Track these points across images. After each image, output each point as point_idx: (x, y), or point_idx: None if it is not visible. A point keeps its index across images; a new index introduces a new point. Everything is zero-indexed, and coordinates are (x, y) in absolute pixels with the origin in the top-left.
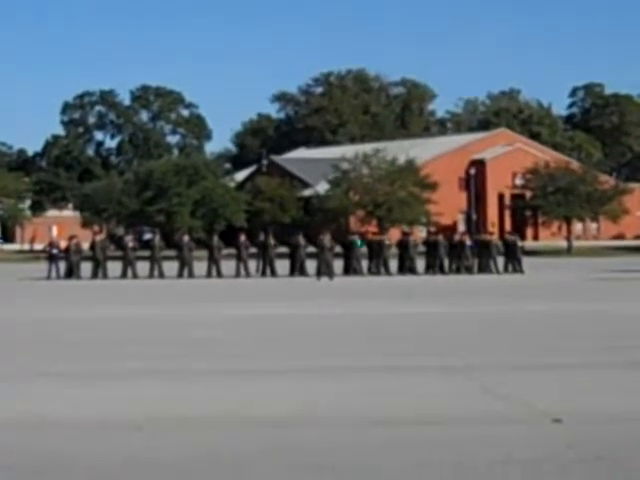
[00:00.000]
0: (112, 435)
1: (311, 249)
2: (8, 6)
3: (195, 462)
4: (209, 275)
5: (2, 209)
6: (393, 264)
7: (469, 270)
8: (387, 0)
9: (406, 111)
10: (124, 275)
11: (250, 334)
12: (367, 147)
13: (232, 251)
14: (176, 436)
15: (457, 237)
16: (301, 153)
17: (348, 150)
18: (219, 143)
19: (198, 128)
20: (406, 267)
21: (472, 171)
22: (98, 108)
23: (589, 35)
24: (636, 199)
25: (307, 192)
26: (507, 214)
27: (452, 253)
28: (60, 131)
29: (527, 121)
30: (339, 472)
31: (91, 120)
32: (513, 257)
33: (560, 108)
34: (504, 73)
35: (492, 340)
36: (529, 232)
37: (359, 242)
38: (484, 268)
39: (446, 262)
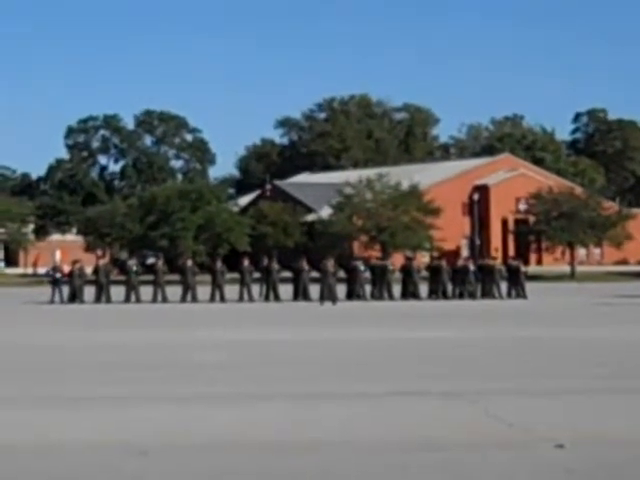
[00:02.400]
0: (116, 459)
1: (314, 274)
2: (12, 29)
3: None
4: (212, 300)
5: (6, 233)
6: (396, 289)
7: (472, 295)
8: (390, 25)
9: (409, 136)
10: (127, 299)
11: (253, 358)
12: (370, 172)
13: (235, 276)
14: (181, 461)
15: (460, 262)
16: (304, 178)
17: (351, 175)
18: (223, 168)
19: (202, 153)
20: (409, 292)
21: (475, 196)
22: (102, 132)
23: (593, 60)
24: (639, 224)
25: (310, 217)
26: (510, 239)
27: (455, 278)
28: (64, 155)
29: (531, 147)
30: None
31: (95, 144)
32: (516, 282)
33: (563, 133)
34: (507, 98)
35: (495, 365)
36: (532, 257)
37: (362, 267)
38: (487, 293)
39: (449, 287)
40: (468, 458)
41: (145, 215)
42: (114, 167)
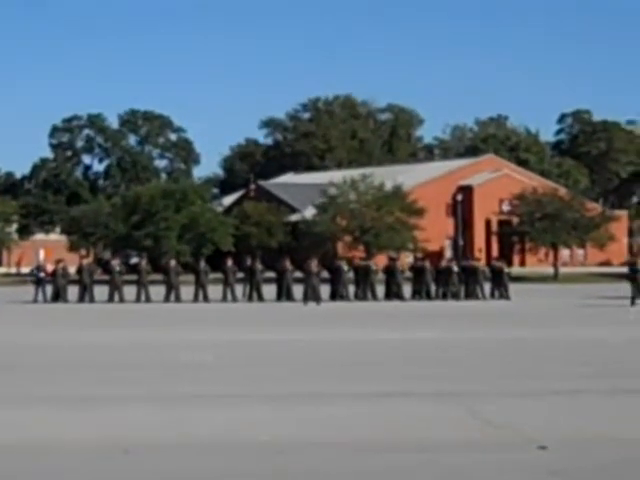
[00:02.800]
0: (99, 458)
1: (298, 274)
2: None
3: None
4: (196, 299)
5: None
6: (380, 290)
7: (456, 296)
8: (374, 26)
9: (393, 137)
10: (111, 299)
11: (238, 359)
12: (354, 172)
13: (219, 276)
14: (164, 460)
15: (444, 263)
16: (289, 178)
17: (335, 175)
18: (207, 168)
19: (186, 152)
20: (393, 293)
21: (459, 197)
22: (86, 132)
23: (577, 62)
24: (623, 226)
25: (294, 217)
26: (494, 240)
27: (439, 279)
28: (48, 154)
29: (515, 147)
30: None
31: (79, 144)
32: (500, 283)
33: (548, 134)
34: (492, 99)
35: (480, 366)
36: (516, 258)
37: (346, 267)
38: (471, 294)
39: (433, 288)
40: (454, 459)
41: (129, 215)
42: (98, 166)
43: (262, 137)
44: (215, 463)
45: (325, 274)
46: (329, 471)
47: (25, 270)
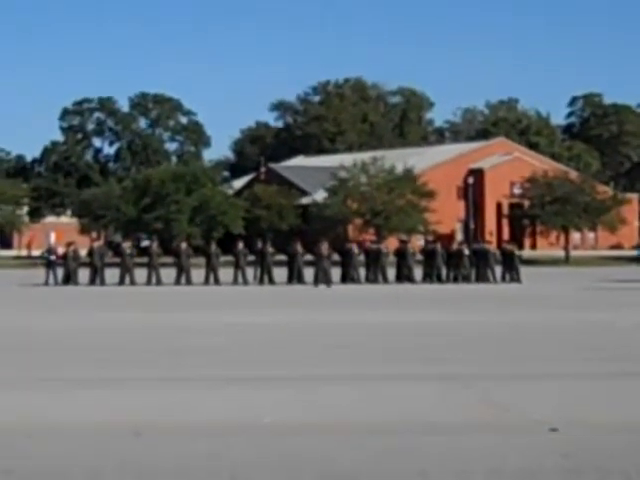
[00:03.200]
0: (111, 441)
1: (309, 257)
2: (7, 12)
3: (194, 469)
4: (206, 282)
5: (0, 215)
6: (391, 272)
7: (467, 279)
8: (385, 9)
9: (404, 120)
10: (122, 282)
11: (248, 342)
12: (365, 155)
13: (230, 259)
14: (175, 443)
15: (455, 246)
16: (299, 161)
17: (346, 158)
18: (217, 151)
19: (196, 135)
20: (404, 275)
21: (470, 180)
22: (97, 115)
23: (588, 45)
24: (634, 209)
25: (305, 200)
26: (505, 223)
27: (450, 262)
28: (59, 137)
29: (525, 131)
30: (339, 479)
31: (90, 127)
32: (511, 266)
33: (559, 118)
34: (503, 82)
35: (490, 349)
36: (527, 241)
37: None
38: (482, 277)
39: (444, 271)
40: (463, 441)
41: (140, 198)
42: (109, 149)
43: (273, 120)
44: (226, 445)
45: (336, 257)
46: (340, 453)
47: (36, 253)
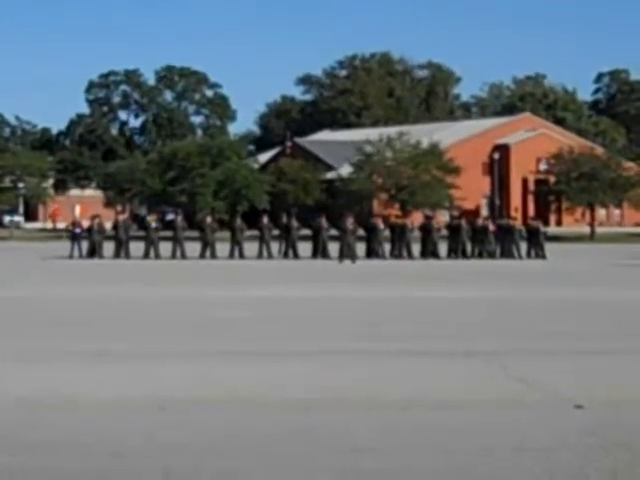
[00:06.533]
0: (134, 415)
1: (334, 232)
2: None
3: (216, 442)
4: (231, 256)
5: (25, 188)
6: (415, 248)
7: (491, 255)
8: None
9: (431, 95)
10: (146, 255)
11: (272, 316)
12: (391, 130)
13: (255, 233)
14: (198, 417)
15: (480, 222)
16: (325, 135)
17: (372, 133)
18: (243, 124)
19: (222, 109)
20: (428, 251)
21: (496, 156)
22: (123, 87)
23: (615, 21)
24: None
25: (330, 175)
26: (530, 199)
27: (475, 238)
28: (84, 110)
29: (552, 106)
30: (360, 454)
31: (115, 99)
32: (536, 243)
33: (585, 94)
34: (530, 58)
35: (513, 325)
36: (552, 218)
37: (382, 226)
38: (506, 253)
39: (469, 247)
40: (488, 417)
41: (165, 171)
42: (134, 122)
43: (298, 94)
44: (248, 419)
45: (361, 232)
46: (364, 429)
47: (61, 225)
